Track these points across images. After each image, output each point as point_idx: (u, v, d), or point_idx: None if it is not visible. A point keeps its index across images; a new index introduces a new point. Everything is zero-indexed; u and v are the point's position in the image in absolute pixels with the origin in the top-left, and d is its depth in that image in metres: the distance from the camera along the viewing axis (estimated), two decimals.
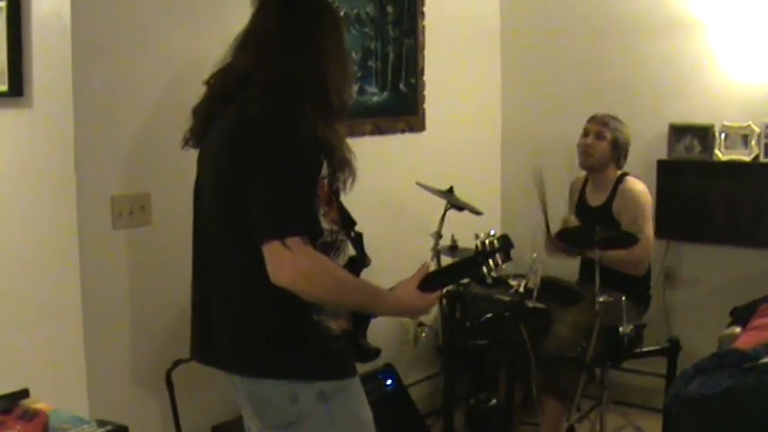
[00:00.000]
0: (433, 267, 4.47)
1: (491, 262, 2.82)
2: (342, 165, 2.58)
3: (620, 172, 5.02)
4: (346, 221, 2.76)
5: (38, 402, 2.49)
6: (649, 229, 4.86)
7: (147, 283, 3.87)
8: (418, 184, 4.77)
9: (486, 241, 2.85)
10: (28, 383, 2.58)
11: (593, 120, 5.03)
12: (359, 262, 2.79)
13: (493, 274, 2.83)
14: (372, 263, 2.85)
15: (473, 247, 4.66)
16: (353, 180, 2.66)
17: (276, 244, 2.40)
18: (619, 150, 4.99)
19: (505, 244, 2.86)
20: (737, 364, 3.25)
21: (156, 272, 3.90)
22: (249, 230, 2.46)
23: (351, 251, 2.79)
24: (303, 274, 2.43)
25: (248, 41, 2.70)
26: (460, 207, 4.73)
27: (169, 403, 3.87)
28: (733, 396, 3.12)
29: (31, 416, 2.35)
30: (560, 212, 5.37)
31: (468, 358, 5.01)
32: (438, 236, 4.75)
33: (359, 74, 4.85)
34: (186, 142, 2.77)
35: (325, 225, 2.57)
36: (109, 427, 2.41)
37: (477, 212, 4.75)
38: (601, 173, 5.03)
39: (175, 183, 3.85)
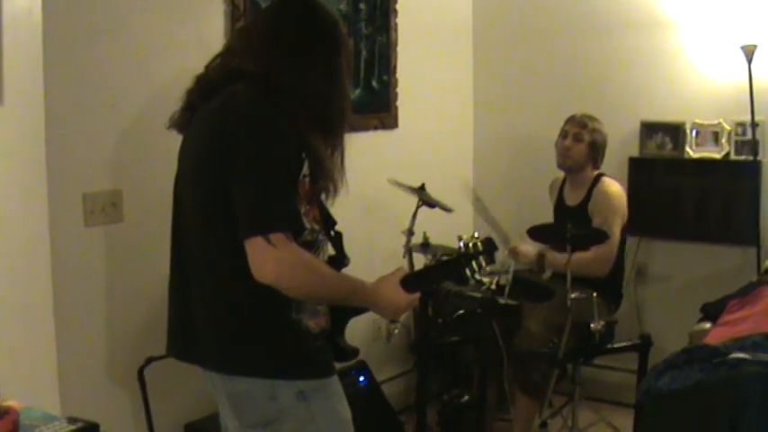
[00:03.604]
0: (405, 265, 4.53)
1: (474, 264, 2.82)
2: (321, 171, 2.57)
3: (596, 172, 5.05)
4: (327, 221, 2.75)
5: (8, 400, 2.47)
6: (617, 231, 4.88)
7: (118, 281, 3.86)
8: (390, 181, 4.77)
9: (470, 243, 2.85)
10: None
11: (572, 121, 5.05)
12: (338, 261, 2.79)
13: (476, 276, 2.83)
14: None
15: (447, 245, 4.73)
16: (335, 191, 2.65)
17: (259, 240, 2.39)
18: (597, 151, 5.02)
19: (489, 246, 2.86)
20: (707, 359, 3.27)
21: (128, 269, 3.90)
22: (229, 227, 2.46)
23: (330, 251, 2.79)
24: (287, 270, 2.42)
25: (253, 37, 2.68)
26: (432, 204, 4.74)
27: (141, 400, 3.86)
28: (703, 391, 3.14)
29: (1, 413, 2.34)
30: (533, 210, 5.40)
31: (440, 355, 5.01)
32: (410, 233, 4.75)
33: None
34: (173, 124, 2.75)
35: (305, 224, 2.56)
36: (80, 424, 2.40)
37: (448, 209, 4.76)
38: (578, 173, 5.05)
39: (148, 180, 3.86)
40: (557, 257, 4.66)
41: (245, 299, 2.53)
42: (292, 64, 2.59)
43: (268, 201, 2.44)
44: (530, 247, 5.08)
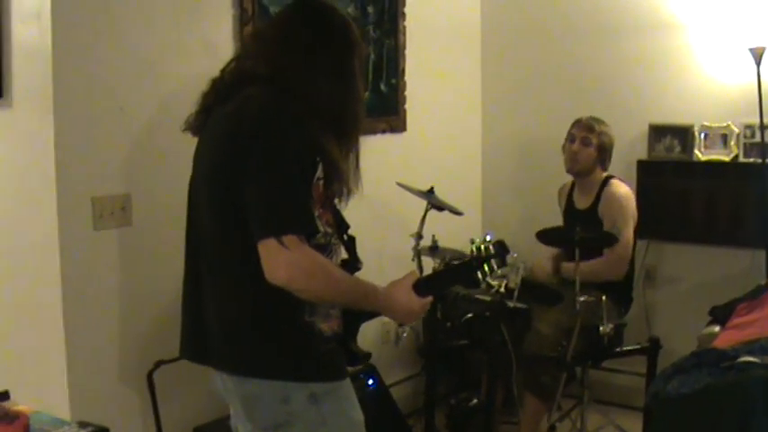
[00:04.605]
0: (415, 269, 4.53)
1: (486, 267, 2.81)
2: (335, 174, 2.57)
3: (605, 174, 5.04)
4: (340, 224, 2.76)
5: (18, 405, 2.48)
6: (629, 232, 4.87)
7: (127, 284, 3.87)
8: (399, 184, 4.77)
9: (482, 246, 2.83)
10: (8, 386, 2.57)
11: (579, 125, 5.04)
12: (351, 265, 2.78)
13: (488, 279, 2.83)
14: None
15: (456, 248, 4.73)
16: (348, 194, 2.66)
17: (272, 242, 2.39)
18: (604, 154, 5.01)
19: (501, 250, 2.85)
20: (716, 363, 3.27)
21: (137, 273, 3.90)
22: (243, 229, 2.46)
23: (343, 254, 2.79)
24: (300, 272, 2.42)
25: (265, 41, 2.69)
26: (441, 207, 4.74)
27: (151, 404, 3.86)
28: (711, 394, 3.14)
29: (11, 418, 2.35)
30: (541, 213, 5.39)
31: (449, 358, 5.02)
32: (419, 236, 4.75)
33: None
34: (188, 126, 2.75)
35: (318, 227, 2.56)
36: (90, 429, 2.41)
37: (457, 213, 4.76)
38: (587, 177, 5.05)
39: (157, 183, 3.87)
40: (572, 268, 4.61)
41: (258, 301, 2.53)
42: (304, 67, 2.60)
43: (282, 203, 2.44)
44: (547, 264, 5.08)
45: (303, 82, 2.58)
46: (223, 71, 2.72)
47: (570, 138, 5.05)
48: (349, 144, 2.68)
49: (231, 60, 2.74)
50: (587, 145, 4.97)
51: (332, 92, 2.62)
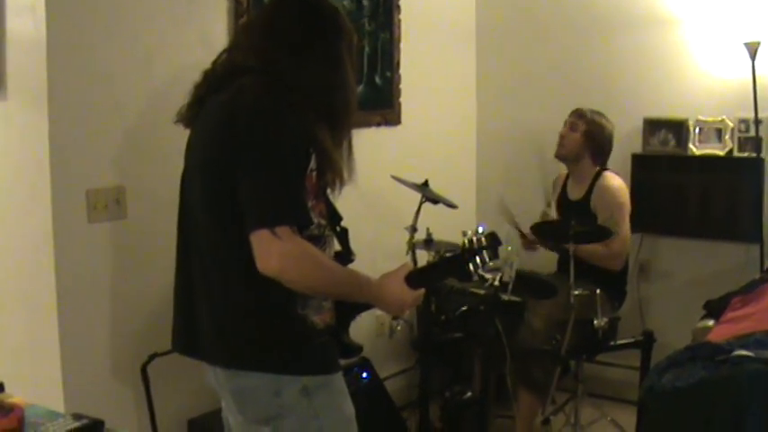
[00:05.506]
0: (409, 261, 4.52)
1: (478, 259, 2.81)
2: (328, 164, 2.57)
3: (598, 167, 5.04)
4: (333, 216, 2.76)
5: (13, 397, 2.48)
6: (626, 224, 4.88)
7: (122, 277, 3.86)
8: (393, 177, 4.77)
9: (474, 238, 2.83)
10: (3, 378, 2.57)
11: (573, 112, 5.07)
12: (344, 257, 2.79)
13: (480, 271, 2.82)
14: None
15: (451, 241, 4.73)
16: (341, 183, 2.65)
17: (265, 232, 2.39)
18: (593, 143, 5.00)
19: (493, 241, 2.84)
20: (710, 357, 3.28)
21: (132, 265, 3.89)
22: (236, 221, 2.46)
23: (336, 246, 2.79)
24: (292, 263, 2.42)
25: (254, 33, 2.70)
26: (436, 200, 4.74)
27: (145, 397, 3.86)
28: (706, 388, 3.14)
29: (6, 410, 2.34)
30: (536, 207, 5.39)
31: (443, 351, 5.01)
32: (413, 229, 4.75)
33: None
34: (180, 118, 2.75)
35: (312, 218, 2.56)
36: (84, 421, 2.40)
37: (452, 206, 4.76)
38: (577, 165, 5.05)
39: (151, 176, 3.86)
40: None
41: (250, 294, 2.53)
42: (293, 58, 2.60)
43: (275, 194, 2.44)
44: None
45: (294, 73, 2.58)
46: (215, 63, 2.72)
47: (564, 124, 5.07)
48: (342, 133, 2.68)
49: (223, 52, 2.73)
50: (574, 130, 5.00)
51: (321, 81, 2.62)
